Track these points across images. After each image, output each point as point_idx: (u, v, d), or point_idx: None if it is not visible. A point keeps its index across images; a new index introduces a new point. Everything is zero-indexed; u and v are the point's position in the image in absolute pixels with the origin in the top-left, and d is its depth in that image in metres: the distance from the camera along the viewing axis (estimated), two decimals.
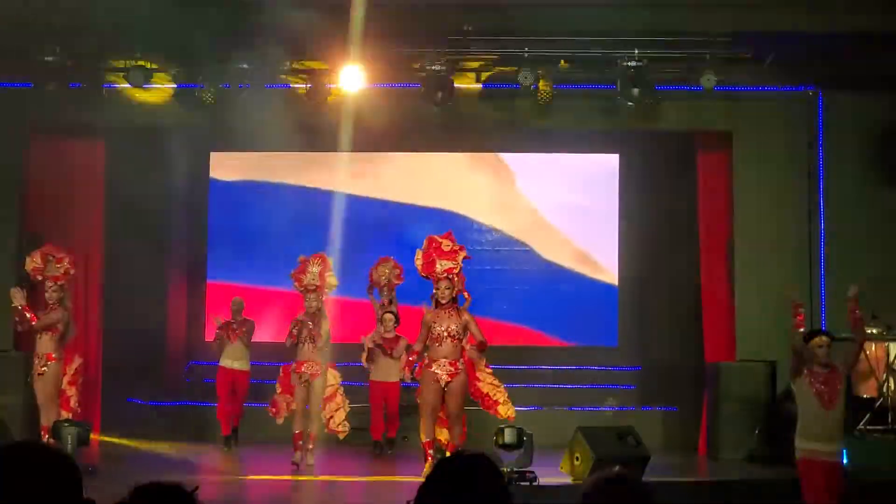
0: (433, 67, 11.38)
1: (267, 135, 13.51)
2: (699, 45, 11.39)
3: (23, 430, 11.13)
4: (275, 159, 14.33)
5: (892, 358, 10.73)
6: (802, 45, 11.55)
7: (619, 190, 14.36)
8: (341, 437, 11.30)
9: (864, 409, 10.55)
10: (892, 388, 10.63)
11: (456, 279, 10.07)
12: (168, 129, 13.36)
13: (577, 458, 9.08)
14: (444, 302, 9.83)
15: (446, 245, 10.03)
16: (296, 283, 10.78)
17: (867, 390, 10.74)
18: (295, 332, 10.71)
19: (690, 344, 13.01)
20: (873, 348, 10.71)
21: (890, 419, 10.32)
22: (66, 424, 10.06)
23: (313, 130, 12.50)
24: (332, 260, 10.89)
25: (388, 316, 12.03)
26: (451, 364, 9.84)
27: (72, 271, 10.92)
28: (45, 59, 11.31)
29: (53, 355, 10.59)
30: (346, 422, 11.31)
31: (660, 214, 13.90)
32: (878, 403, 10.47)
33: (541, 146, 14.16)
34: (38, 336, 10.69)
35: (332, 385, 11.08)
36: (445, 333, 9.82)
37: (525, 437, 9.36)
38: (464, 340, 10.07)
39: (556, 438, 10.85)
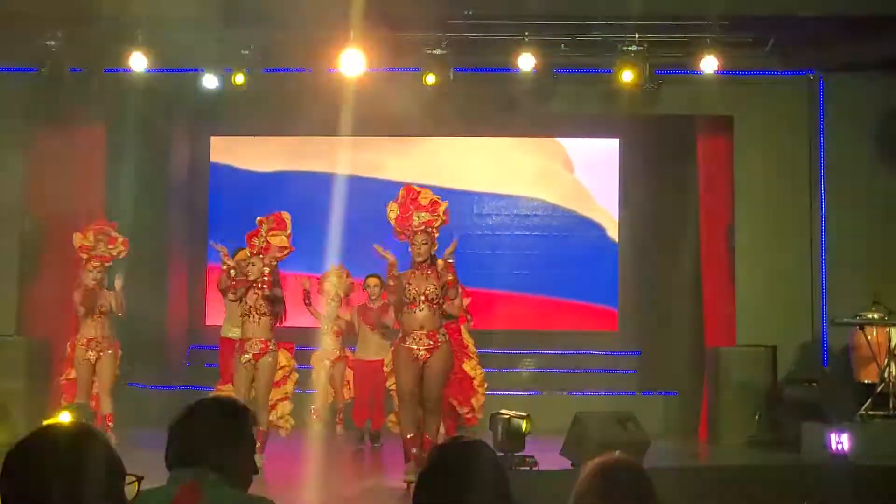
0: (434, 52, 11.35)
1: (272, 119, 13.55)
2: (700, 28, 11.36)
3: (25, 414, 11.15)
4: (281, 144, 14.32)
5: (893, 343, 10.72)
6: (803, 29, 11.52)
7: (620, 175, 14.36)
8: (283, 433, 9.85)
9: (866, 395, 10.54)
10: (894, 373, 10.61)
11: (436, 233, 8.59)
12: (169, 114, 13.38)
13: (577, 444, 9.07)
14: (420, 260, 8.39)
15: (425, 197, 8.59)
16: (249, 248, 9.47)
17: (868, 375, 10.74)
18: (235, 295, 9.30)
19: (691, 329, 13.01)
20: (874, 333, 10.70)
21: (891, 404, 10.31)
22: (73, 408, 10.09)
23: (320, 115, 12.48)
24: (289, 219, 9.39)
25: (373, 280, 10.99)
26: (428, 336, 8.34)
27: (124, 253, 10.51)
28: (47, 44, 11.30)
29: (111, 339, 10.51)
30: (289, 416, 9.87)
31: (660, 199, 13.89)
32: (879, 389, 10.46)
33: (539, 130, 14.14)
34: (86, 319, 10.44)
35: (284, 367, 9.64)
36: (423, 298, 8.33)
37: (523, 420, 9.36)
38: (454, 304, 8.94)
39: (555, 423, 10.86)
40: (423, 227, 8.41)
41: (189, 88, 11.99)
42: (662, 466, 8.77)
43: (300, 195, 13.84)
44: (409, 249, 8.44)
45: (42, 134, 12.36)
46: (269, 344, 9.20)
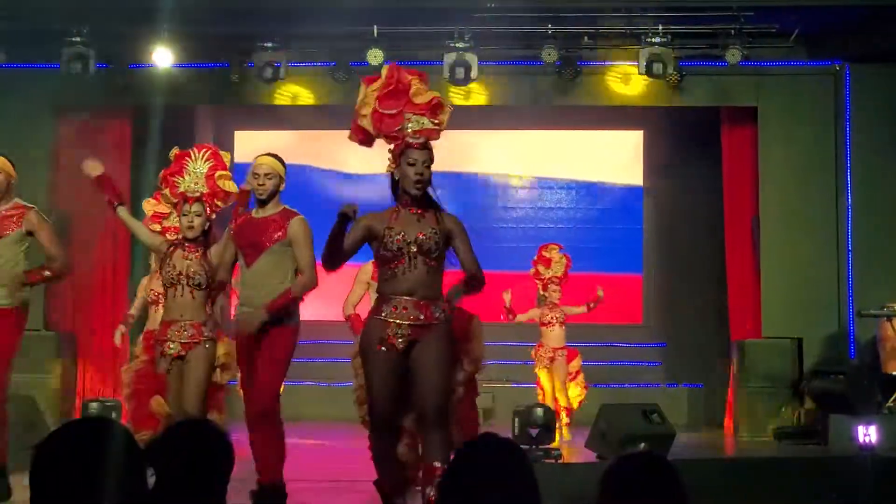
0: (457, 45, 11.35)
1: (296, 113, 13.56)
2: (724, 19, 11.31)
3: (55, 408, 11.22)
4: (305, 138, 14.32)
5: None
6: (829, 19, 11.45)
7: (644, 167, 14.33)
8: None
9: (893, 387, 10.48)
10: None
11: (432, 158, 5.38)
12: (193, 109, 13.43)
13: (602, 436, 9.08)
14: (415, 192, 5.27)
15: (421, 93, 5.45)
16: (166, 190, 6.82)
17: (895, 368, 10.68)
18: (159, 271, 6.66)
19: (716, 321, 12.98)
20: None
21: None
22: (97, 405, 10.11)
23: (343, 109, 12.46)
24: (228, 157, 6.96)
25: None
26: (418, 306, 5.19)
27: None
28: (72, 40, 11.36)
29: None
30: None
31: (684, 191, 13.85)
32: None
33: (563, 123, 14.11)
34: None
35: (228, 367, 7.38)
36: (414, 249, 5.19)
37: (549, 414, 9.38)
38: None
39: (580, 416, 10.88)
40: (422, 140, 5.39)
41: (214, 83, 12.04)
42: (687, 459, 8.77)
43: (321, 190, 13.85)
44: (393, 172, 5.37)
45: (67, 130, 12.43)
46: (202, 329, 6.38)
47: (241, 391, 6.35)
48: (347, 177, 14.08)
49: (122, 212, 6.82)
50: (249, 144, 14.54)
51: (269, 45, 11.48)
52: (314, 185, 13.99)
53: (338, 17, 11.12)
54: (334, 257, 5.24)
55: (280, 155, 6.52)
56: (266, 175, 6.33)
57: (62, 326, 12.16)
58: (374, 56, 11.26)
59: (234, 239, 6.36)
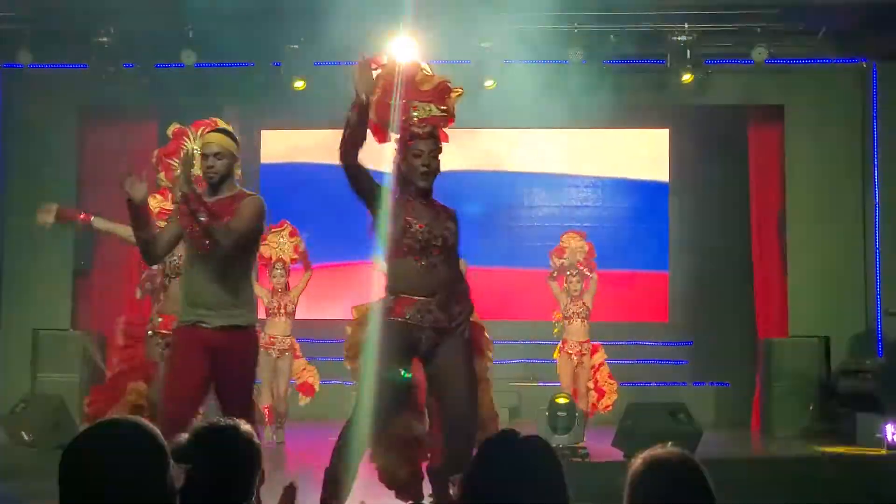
0: (484, 44, 11.37)
1: (323, 112, 13.59)
2: (750, 18, 11.27)
3: (82, 408, 11.27)
4: (332, 137, 14.32)
5: None
6: (855, 16, 11.39)
7: (670, 165, 14.28)
8: None
9: None
10: None
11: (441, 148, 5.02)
12: (220, 109, 13.47)
13: (629, 435, 9.06)
14: (422, 184, 4.99)
15: (427, 78, 5.16)
16: (161, 173, 6.76)
17: None
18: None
19: (742, 319, 12.93)
20: None
21: None
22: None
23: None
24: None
25: None
26: (442, 307, 4.87)
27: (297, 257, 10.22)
28: (99, 40, 11.44)
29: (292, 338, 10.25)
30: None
31: (711, 189, 13.80)
32: None
33: (588, 121, 14.08)
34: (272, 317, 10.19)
35: None
36: (439, 242, 4.89)
37: (577, 412, 9.37)
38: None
39: (607, 414, 10.85)
40: (429, 129, 5.02)
41: (240, 82, 12.09)
42: (714, 458, 8.74)
43: (349, 189, 13.85)
44: (399, 163, 5.11)
45: (95, 130, 12.51)
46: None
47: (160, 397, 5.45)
48: (377, 175, 14.05)
49: (98, 221, 6.43)
50: (276, 144, 14.62)
51: (296, 44, 11.51)
52: (343, 184, 13.96)
53: (365, 15, 11.14)
54: (356, 145, 5.01)
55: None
56: (216, 155, 5.25)
57: (89, 326, 12.23)
58: (404, 51, 11.26)
59: (180, 225, 5.31)
